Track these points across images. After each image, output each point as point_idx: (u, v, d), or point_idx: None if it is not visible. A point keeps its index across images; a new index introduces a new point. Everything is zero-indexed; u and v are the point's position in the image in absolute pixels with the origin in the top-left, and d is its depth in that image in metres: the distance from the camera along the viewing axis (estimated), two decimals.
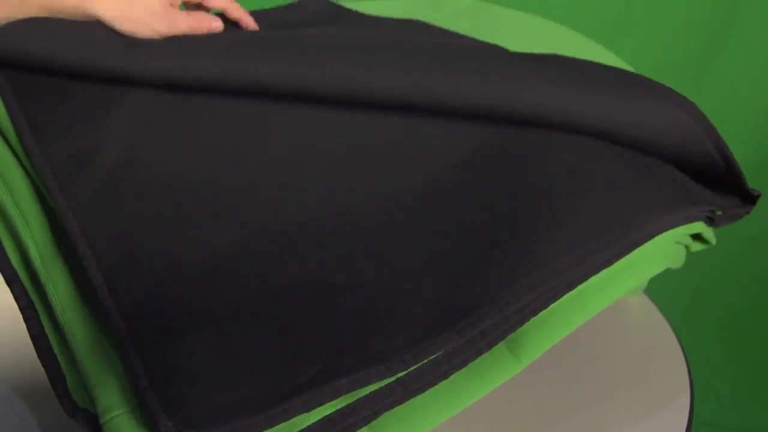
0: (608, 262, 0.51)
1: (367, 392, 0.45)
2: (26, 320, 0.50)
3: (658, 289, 0.71)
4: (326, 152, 0.54)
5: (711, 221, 0.59)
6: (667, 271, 0.61)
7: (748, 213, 0.62)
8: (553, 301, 0.49)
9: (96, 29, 0.59)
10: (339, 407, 0.44)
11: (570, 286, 0.49)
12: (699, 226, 0.58)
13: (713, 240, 0.63)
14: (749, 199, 0.60)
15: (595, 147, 0.55)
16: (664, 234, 0.54)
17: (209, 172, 0.53)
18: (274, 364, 0.43)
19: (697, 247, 0.63)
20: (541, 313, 0.49)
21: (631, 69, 0.67)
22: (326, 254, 0.49)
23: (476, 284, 0.47)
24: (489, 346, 0.48)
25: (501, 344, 0.49)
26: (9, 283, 0.52)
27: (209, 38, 0.61)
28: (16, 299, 0.51)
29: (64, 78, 0.56)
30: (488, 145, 0.54)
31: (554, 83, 0.55)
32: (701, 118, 0.55)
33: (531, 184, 0.52)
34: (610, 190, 0.52)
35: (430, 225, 0.50)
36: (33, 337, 0.50)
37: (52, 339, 0.50)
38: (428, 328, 0.45)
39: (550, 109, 0.54)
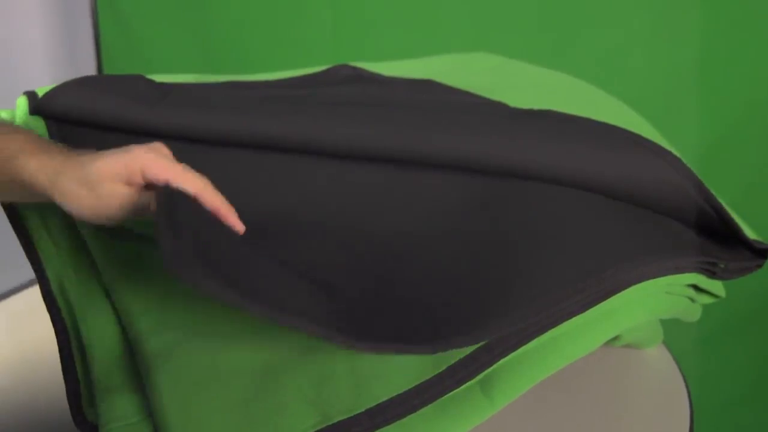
0: (582, 308, 0.52)
1: (336, 422, 0.48)
2: (59, 342, 0.57)
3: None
4: (328, 199, 0.59)
5: (713, 274, 0.59)
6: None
7: (759, 266, 0.61)
8: (523, 344, 0.51)
9: (133, 84, 0.67)
10: None
11: (541, 330, 0.51)
12: (695, 278, 0.58)
13: (721, 293, 0.62)
14: (760, 252, 0.60)
15: (577, 198, 0.56)
16: (648, 283, 0.54)
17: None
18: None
19: (706, 300, 0.63)
20: (512, 355, 0.51)
21: (644, 121, 0.68)
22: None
23: (444, 319, 0.50)
24: (458, 384, 0.50)
25: (473, 384, 0.52)
26: (48, 308, 0.59)
27: (230, 96, 0.68)
28: (53, 322, 0.58)
29: (103, 131, 0.64)
30: (472, 195, 0.57)
31: (542, 139, 0.57)
32: (688, 173, 0.56)
33: (507, 231, 0.54)
34: (586, 239, 0.54)
35: (411, 265, 0.54)
36: (62, 357, 0.57)
37: (77, 359, 0.56)
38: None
39: (535, 163, 0.57)
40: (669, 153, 0.56)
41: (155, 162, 0.51)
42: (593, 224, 0.55)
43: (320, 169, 0.61)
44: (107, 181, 0.50)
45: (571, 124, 0.59)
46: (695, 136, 1.21)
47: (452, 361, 0.50)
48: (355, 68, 0.75)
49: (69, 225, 0.61)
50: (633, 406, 0.62)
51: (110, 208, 0.50)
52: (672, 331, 0.70)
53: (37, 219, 0.60)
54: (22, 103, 0.68)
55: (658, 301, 0.56)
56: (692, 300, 0.61)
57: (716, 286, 0.61)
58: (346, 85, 0.71)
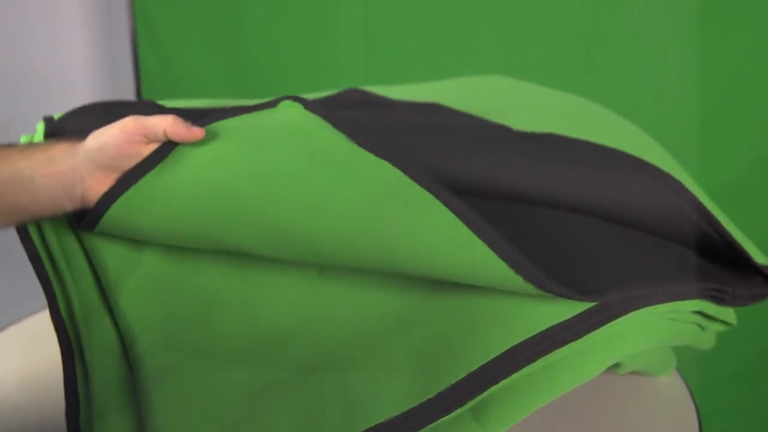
0: (575, 336, 0.51)
1: None
2: (64, 362, 0.59)
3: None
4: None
5: (721, 300, 0.57)
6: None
7: None
8: (514, 372, 0.50)
9: (140, 111, 0.69)
10: None
11: (532, 358, 0.50)
12: (700, 305, 0.56)
13: (732, 320, 0.60)
14: None
15: (572, 222, 0.56)
16: (647, 310, 0.53)
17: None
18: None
19: (717, 327, 0.61)
20: (505, 382, 0.50)
21: (654, 144, 0.67)
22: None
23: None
24: (447, 410, 0.49)
25: (465, 412, 0.51)
26: (56, 328, 0.61)
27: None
28: (59, 342, 0.60)
29: None
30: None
31: (540, 163, 0.57)
32: (688, 196, 0.54)
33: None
34: (580, 264, 0.53)
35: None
36: (66, 377, 0.58)
37: (80, 378, 0.57)
38: None
39: (531, 186, 0.56)
40: (669, 176, 0.55)
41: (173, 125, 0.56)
42: (588, 249, 0.54)
43: None
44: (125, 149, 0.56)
45: (571, 147, 0.58)
46: (730, 157, 1.18)
47: (442, 387, 0.49)
48: (364, 92, 0.75)
49: (75, 245, 0.62)
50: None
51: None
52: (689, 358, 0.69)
53: (42, 241, 0.62)
54: (40, 129, 0.70)
55: (661, 328, 0.55)
56: (702, 327, 0.59)
57: (727, 314, 0.59)
58: (353, 109, 0.72)
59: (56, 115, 0.70)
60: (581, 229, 0.55)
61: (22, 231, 0.63)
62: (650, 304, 0.53)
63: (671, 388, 0.67)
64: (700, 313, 0.58)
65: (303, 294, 0.56)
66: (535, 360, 0.50)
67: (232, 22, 1.58)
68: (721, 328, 0.61)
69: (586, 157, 0.57)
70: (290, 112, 0.58)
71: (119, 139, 0.56)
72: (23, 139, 0.72)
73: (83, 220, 0.56)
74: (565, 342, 0.51)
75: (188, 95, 0.79)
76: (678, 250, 0.57)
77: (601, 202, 0.55)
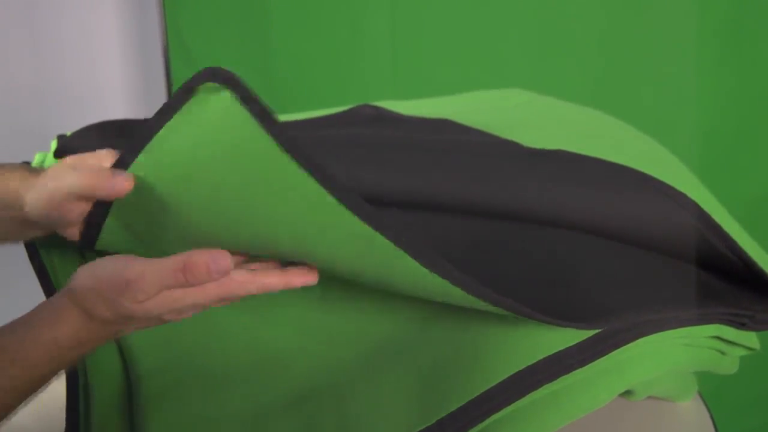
0: (581, 363, 0.49)
1: None
2: (68, 384, 0.58)
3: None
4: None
5: (741, 325, 0.55)
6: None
7: None
8: (516, 400, 0.48)
9: None
10: None
11: (535, 385, 0.48)
12: (718, 329, 0.53)
13: (755, 345, 0.57)
14: None
15: (579, 243, 0.53)
16: (659, 335, 0.50)
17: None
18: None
19: (739, 352, 0.58)
20: (507, 411, 0.48)
21: (673, 159, 0.64)
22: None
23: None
24: None
25: None
26: None
27: None
28: None
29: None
30: (471, 241, 0.55)
31: (547, 181, 0.55)
32: (703, 216, 0.52)
33: (506, 277, 0.52)
34: (587, 288, 0.51)
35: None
36: (68, 396, 0.58)
37: (81, 399, 0.57)
38: None
39: (538, 205, 0.54)
40: (683, 195, 0.52)
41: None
42: (596, 271, 0.52)
43: None
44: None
45: (579, 165, 0.56)
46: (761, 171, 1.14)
47: (442, 415, 0.48)
48: (376, 108, 0.74)
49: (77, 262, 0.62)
50: None
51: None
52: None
53: (48, 257, 0.62)
54: (53, 146, 0.71)
55: (674, 354, 0.52)
56: (722, 353, 0.56)
57: (748, 338, 0.56)
58: (363, 125, 0.71)
59: (69, 133, 0.70)
60: (589, 250, 0.53)
61: (30, 248, 0.64)
62: (662, 330, 0.50)
63: (692, 413, 0.64)
64: (718, 338, 0.55)
65: (302, 318, 0.55)
66: (538, 387, 0.48)
67: (262, 38, 1.59)
68: (742, 352, 0.58)
69: (594, 175, 0.55)
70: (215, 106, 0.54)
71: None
72: (37, 158, 0.72)
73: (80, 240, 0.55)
74: (570, 369, 0.48)
75: None
76: (693, 273, 0.54)
77: (610, 222, 0.53)
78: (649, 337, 0.50)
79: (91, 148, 0.66)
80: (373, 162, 0.59)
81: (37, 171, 0.54)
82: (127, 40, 1.81)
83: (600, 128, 0.68)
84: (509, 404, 0.48)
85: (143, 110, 1.82)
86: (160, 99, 1.81)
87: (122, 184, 0.47)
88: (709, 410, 0.64)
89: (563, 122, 0.69)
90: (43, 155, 0.73)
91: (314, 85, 1.56)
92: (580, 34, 1.23)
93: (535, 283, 0.51)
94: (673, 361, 0.53)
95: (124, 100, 1.83)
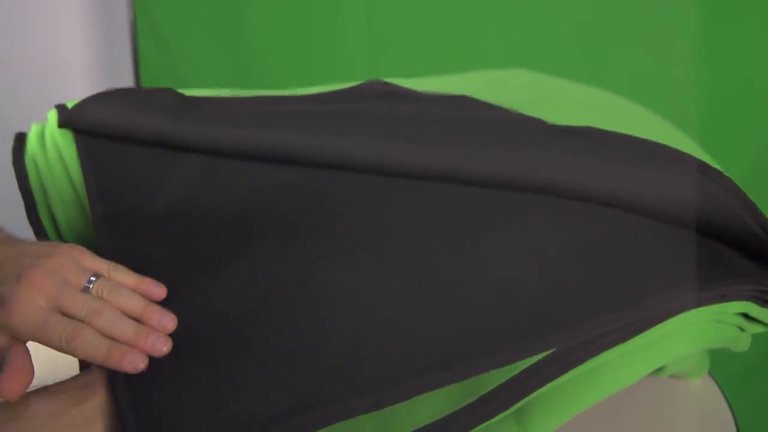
0: (621, 339, 0.49)
1: None
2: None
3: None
4: (344, 207, 0.57)
5: (765, 302, 0.55)
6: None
7: None
8: (559, 375, 0.48)
9: (160, 97, 0.66)
10: None
11: (578, 361, 0.48)
12: (746, 306, 0.54)
13: None
14: None
15: (616, 220, 0.53)
16: (694, 312, 0.51)
17: (244, 227, 0.56)
18: (256, 390, 0.44)
19: (756, 329, 0.59)
20: (549, 386, 0.48)
21: (688, 140, 0.65)
22: (331, 283, 0.50)
23: (474, 338, 0.47)
24: (491, 414, 0.47)
25: (509, 417, 0.49)
26: None
27: (259, 110, 0.66)
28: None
29: (129, 143, 0.63)
30: (507, 217, 0.55)
31: (582, 157, 0.54)
32: (739, 195, 0.52)
33: (541, 255, 0.52)
34: (625, 265, 0.51)
35: (439, 278, 0.51)
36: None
37: None
38: (421, 367, 0.46)
39: (573, 183, 0.54)
40: (719, 173, 0.52)
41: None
42: (634, 247, 0.52)
43: (350, 186, 0.59)
44: None
45: (612, 142, 0.56)
46: (735, 159, 1.17)
47: (483, 391, 0.47)
48: (387, 84, 0.73)
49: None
50: None
51: None
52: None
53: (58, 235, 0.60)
54: (52, 117, 0.68)
55: (706, 330, 0.53)
56: (742, 329, 0.57)
57: (767, 316, 0.57)
58: (378, 100, 0.69)
59: (69, 104, 0.67)
60: (625, 226, 0.53)
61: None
62: (699, 306, 0.51)
63: (705, 390, 0.65)
64: (743, 315, 0.56)
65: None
66: (580, 363, 0.48)
67: (234, 14, 1.55)
68: (759, 329, 0.59)
69: (628, 151, 0.55)
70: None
71: None
72: (35, 128, 0.69)
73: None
74: (611, 345, 0.48)
75: (189, 88, 0.76)
76: (723, 249, 0.55)
77: (646, 198, 0.53)
78: (686, 313, 0.50)
79: (100, 118, 0.64)
80: (397, 136, 0.58)
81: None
82: (92, 16, 1.75)
83: (615, 108, 0.68)
84: (551, 381, 0.48)
85: (108, 87, 1.76)
86: (127, 76, 1.75)
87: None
88: (720, 388, 0.65)
89: (578, 101, 0.69)
90: (40, 126, 0.69)
91: (288, 64, 1.53)
92: (560, 20, 1.24)
93: (575, 263, 0.51)
94: (706, 337, 0.53)
95: (88, 78, 1.77)
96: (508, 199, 0.55)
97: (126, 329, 0.43)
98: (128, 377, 0.44)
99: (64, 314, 0.43)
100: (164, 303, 0.49)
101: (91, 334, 0.42)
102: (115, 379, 0.44)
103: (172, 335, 0.46)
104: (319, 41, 1.48)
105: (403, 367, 0.45)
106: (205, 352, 0.46)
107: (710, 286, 0.51)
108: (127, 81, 1.78)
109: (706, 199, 0.52)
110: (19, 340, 0.43)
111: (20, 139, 0.69)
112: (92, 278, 0.44)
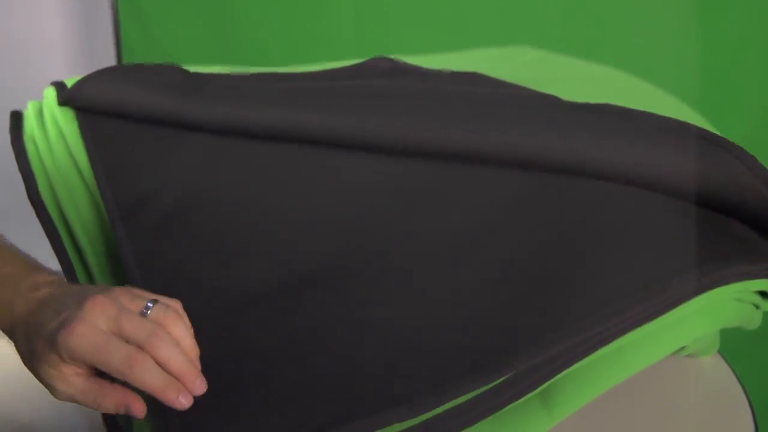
0: (648, 318, 0.48)
1: None
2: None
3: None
4: (365, 198, 0.56)
5: None
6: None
7: None
8: (587, 355, 0.47)
9: (165, 74, 0.64)
10: None
11: (605, 341, 0.48)
12: (763, 284, 0.54)
13: None
14: None
15: (640, 198, 0.53)
16: (716, 291, 0.51)
17: (254, 214, 0.55)
18: (294, 406, 0.44)
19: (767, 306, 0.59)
20: (575, 366, 0.48)
21: (696, 114, 0.64)
22: (357, 294, 0.50)
23: (505, 332, 0.47)
24: (518, 395, 0.47)
25: (533, 396, 0.48)
26: None
27: (266, 88, 0.65)
28: None
29: (136, 123, 0.62)
30: (526, 194, 0.54)
31: (599, 133, 0.54)
32: (761, 171, 0.52)
33: (568, 234, 0.51)
34: (653, 243, 0.50)
35: (463, 269, 0.50)
36: None
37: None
38: (453, 371, 0.45)
39: (591, 158, 0.53)
40: (741, 149, 0.52)
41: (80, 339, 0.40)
42: (660, 226, 0.52)
43: (363, 165, 0.58)
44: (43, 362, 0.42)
45: (631, 118, 0.55)
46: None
47: (508, 372, 0.46)
48: (394, 61, 0.72)
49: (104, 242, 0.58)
50: (692, 417, 0.59)
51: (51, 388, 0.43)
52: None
53: (63, 220, 0.58)
54: (50, 95, 0.66)
55: (728, 309, 0.53)
56: (757, 307, 0.58)
57: None
58: (387, 77, 0.68)
59: (68, 81, 0.65)
60: (649, 206, 0.53)
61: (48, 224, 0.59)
62: (723, 284, 0.51)
63: (715, 368, 0.65)
64: (761, 292, 0.56)
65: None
66: (609, 342, 0.48)
67: None
68: None
69: (649, 128, 0.54)
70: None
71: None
72: (31, 107, 0.67)
73: None
74: (638, 324, 0.48)
75: None
76: (745, 229, 0.54)
77: (669, 177, 0.52)
78: (711, 291, 0.50)
79: (104, 96, 0.62)
80: (418, 113, 0.57)
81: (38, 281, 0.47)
82: None
83: (623, 84, 0.68)
84: (580, 360, 0.47)
85: (88, 67, 1.72)
86: (108, 55, 1.71)
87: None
88: (731, 366, 0.65)
89: (588, 78, 0.68)
90: (37, 104, 0.67)
91: (273, 40, 1.51)
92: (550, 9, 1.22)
93: (600, 238, 0.50)
94: (726, 316, 0.53)
95: (68, 57, 1.73)
96: (534, 182, 0.54)
97: (180, 361, 0.42)
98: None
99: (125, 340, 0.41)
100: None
101: (152, 364, 0.41)
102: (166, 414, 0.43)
103: (214, 361, 0.45)
104: (306, 19, 1.46)
105: (434, 375, 0.45)
106: (237, 375, 0.46)
107: (734, 264, 0.51)
108: (108, 59, 1.74)
109: (731, 177, 0.52)
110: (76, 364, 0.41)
111: (16, 118, 0.66)
112: (149, 304, 0.43)
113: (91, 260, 0.57)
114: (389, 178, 0.57)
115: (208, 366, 0.45)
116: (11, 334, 0.45)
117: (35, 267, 0.49)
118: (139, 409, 0.41)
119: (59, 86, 0.65)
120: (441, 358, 0.46)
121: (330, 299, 0.49)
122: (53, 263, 0.59)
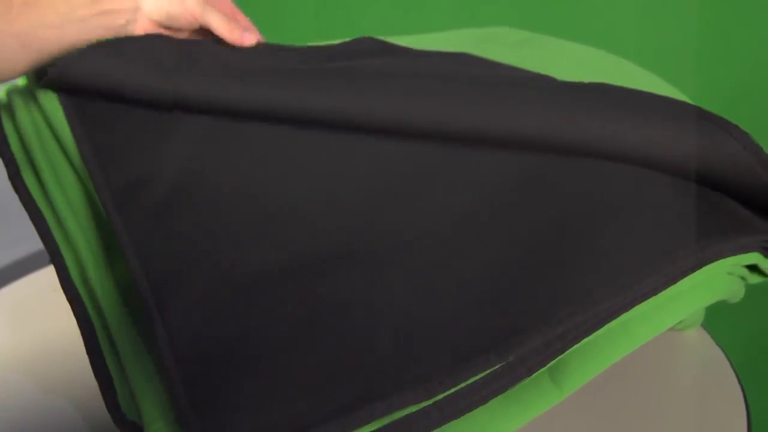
0: (654, 291, 0.49)
1: (404, 414, 0.45)
2: (83, 335, 0.53)
3: (718, 324, 0.69)
4: (371, 178, 0.56)
5: None
6: (727, 305, 0.60)
7: None
8: (596, 330, 0.48)
9: (155, 50, 0.62)
10: (374, 428, 0.44)
11: (613, 315, 0.49)
12: (754, 257, 0.56)
13: None
14: None
15: (641, 175, 0.54)
16: (714, 264, 0.52)
17: (257, 196, 0.54)
18: (310, 388, 0.44)
19: (754, 279, 0.61)
20: (583, 341, 0.49)
21: (683, 97, 0.66)
22: (368, 276, 0.49)
23: (517, 310, 0.47)
24: (529, 372, 0.47)
25: (542, 372, 0.49)
26: (70, 301, 0.54)
27: (263, 68, 0.63)
28: (75, 315, 0.54)
29: (125, 104, 0.60)
30: (531, 173, 0.54)
31: (599, 112, 0.54)
32: (756, 149, 0.53)
33: (574, 211, 0.52)
34: (656, 219, 0.51)
35: (472, 249, 0.51)
36: (89, 352, 0.52)
37: (106, 352, 0.52)
38: (467, 351, 0.45)
39: (594, 138, 0.54)
40: (736, 127, 0.53)
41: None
42: (662, 203, 0.53)
43: (360, 146, 0.57)
44: None
45: (631, 97, 0.56)
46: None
47: (522, 350, 0.47)
48: (378, 41, 0.71)
49: (89, 210, 0.56)
50: (682, 389, 0.61)
51: None
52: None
53: (50, 206, 0.56)
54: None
55: (722, 282, 0.54)
56: (744, 279, 0.59)
57: (767, 265, 0.59)
58: (377, 56, 0.67)
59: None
60: (651, 183, 0.54)
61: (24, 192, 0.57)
62: (721, 257, 0.52)
63: (701, 340, 0.67)
64: (752, 266, 0.58)
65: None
66: (617, 316, 0.49)
67: None
68: (758, 279, 0.61)
69: (647, 106, 0.55)
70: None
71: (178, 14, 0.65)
72: (4, 89, 0.64)
73: None
74: (645, 297, 0.49)
75: None
76: (737, 204, 0.56)
77: (671, 155, 0.53)
78: (710, 265, 0.51)
79: (90, 76, 0.60)
80: (413, 94, 0.57)
81: None
82: None
83: (614, 65, 0.69)
84: (589, 335, 0.48)
85: None
86: None
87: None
88: (715, 339, 0.67)
89: (577, 58, 0.69)
90: (10, 85, 0.65)
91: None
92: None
93: (606, 214, 0.51)
94: (721, 289, 0.55)
95: None
96: (541, 161, 0.55)
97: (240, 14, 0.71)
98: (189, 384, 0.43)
99: None
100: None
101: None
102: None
103: (224, 343, 0.46)
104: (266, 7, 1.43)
105: (449, 356, 0.45)
106: (249, 357, 0.45)
107: (731, 239, 0.52)
108: None
109: (726, 155, 0.53)
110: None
111: None
112: None
113: (82, 249, 0.55)
114: (397, 159, 0.56)
115: (218, 348, 0.45)
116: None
117: None
118: None
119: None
120: (455, 339, 0.46)
121: (341, 281, 0.49)
122: None
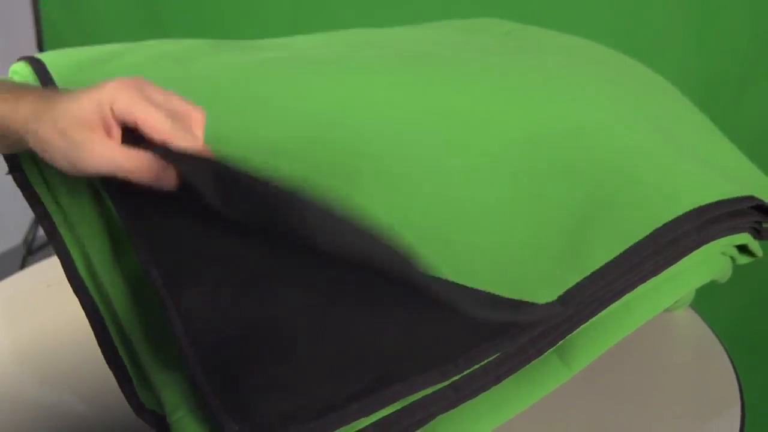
0: (654, 272, 0.52)
1: (421, 396, 0.46)
2: (93, 327, 0.53)
3: (707, 303, 0.72)
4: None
5: (757, 233, 0.60)
6: (715, 285, 0.62)
7: None
8: (601, 310, 0.50)
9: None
10: (394, 410, 0.45)
11: (616, 296, 0.51)
12: (745, 237, 0.58)
13: (759, 252, 0.63)
14: None
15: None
16: (710, 244, 0.54)
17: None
18: (332, 372, 0.45)
19: (743, 260, 0.63)
20: (589, 321, 0.50)
21: (670, 86, 0.68)
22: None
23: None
24: (539, 353, 0.49)
25: (551, 352, 0.51)
26: (76, 291, 0.54)
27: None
28: (84, 307, 0.54)
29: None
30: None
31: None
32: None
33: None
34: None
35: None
36: (100, 344, 0.52)
37: (118, 344, 0.52)
38: (481, 334, 0.47)
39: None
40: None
41: (124, 94, 0.42)
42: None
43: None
44: (78, 127, 0.42)
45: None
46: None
47: (533, 332, 0.48)
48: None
49: (94, 201, 0.56)
50: (676, 371, 0.63)
51: (86, 162, 0.43)
52: None
53: (53, 200, 0.56)
54: (22, 70, 0.62)
55: (715, 261, 0.57)
56: (733, 260, 0.62)
57: (755, 245, 0.62)
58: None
59: (43, 57, 0.62)
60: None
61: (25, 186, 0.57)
62: (718, 237, 0.54)
63: (690, 320, 0.69)
64: (741, 246, 0.60)
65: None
66: (621, 296, 0.51)
67: None
68: (747, 260, 0.63)
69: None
70: None
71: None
72: None
73: None
74: (646, 278, 0.51)
75: (95, 41, 0.70)
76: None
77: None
78: (707, 245, 0.54)
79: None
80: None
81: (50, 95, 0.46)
82: None
83: (601, 54, 0.70)
84: (595, 316, 0.50)
85: (5, 40, 1.63)
86: (27, 32, 1.63)
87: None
88: (703, 318, 0.70)
89: (567, 47, 0.70)
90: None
91: (202, 14, 1.47)
92: None
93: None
94: (715, 268, 0.57)
95: None
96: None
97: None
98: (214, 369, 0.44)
99: None
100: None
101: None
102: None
103: (241, 330, 0.46)
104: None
105: (464, 339, 0.47)
106: (270, 342, 0.46)
107: (726, 220, 0.54)
108: (27, 36, 1.65)
109: None
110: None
111: None
112: None
113: (88, 243, 0.55)
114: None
115: (235, 334, 0.45)
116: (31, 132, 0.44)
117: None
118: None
119: (33, 61, 0.61)
120: (469, 323, 0.47)
121: (357, 267, 0.49)
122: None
